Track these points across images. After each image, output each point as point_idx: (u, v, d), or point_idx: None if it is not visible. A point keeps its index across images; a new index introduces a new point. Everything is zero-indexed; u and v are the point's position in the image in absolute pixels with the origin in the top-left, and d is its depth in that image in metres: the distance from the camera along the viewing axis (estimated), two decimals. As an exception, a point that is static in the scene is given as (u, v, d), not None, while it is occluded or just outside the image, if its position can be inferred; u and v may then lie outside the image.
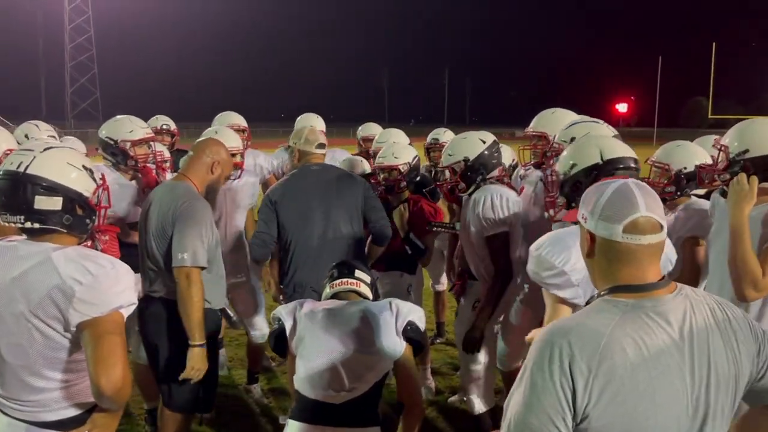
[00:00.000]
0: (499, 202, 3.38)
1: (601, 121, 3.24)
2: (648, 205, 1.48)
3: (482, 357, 3.52)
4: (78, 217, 2.05)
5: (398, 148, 4.27)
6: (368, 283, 2.75)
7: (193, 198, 3.07)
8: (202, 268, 3.00)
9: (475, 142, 3.56)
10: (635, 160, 2.46)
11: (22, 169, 1.96)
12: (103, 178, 2.18)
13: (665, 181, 3.32)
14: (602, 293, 1.51)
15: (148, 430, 4.08)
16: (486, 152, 3.53)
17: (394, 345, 2.46)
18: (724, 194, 2.69)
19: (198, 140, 3.41)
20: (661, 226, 1.49)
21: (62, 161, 2.02)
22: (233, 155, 4.22)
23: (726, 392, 1.46)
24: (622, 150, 2.46)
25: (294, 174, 3.80)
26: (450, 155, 3.58)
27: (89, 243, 2.19)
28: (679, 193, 3.32)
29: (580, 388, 1.36)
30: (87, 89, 65.97)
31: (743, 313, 1.57)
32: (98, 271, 1.92)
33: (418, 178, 4.34)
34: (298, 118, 5.60)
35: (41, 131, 4.95)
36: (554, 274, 2.23)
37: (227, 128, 4.49)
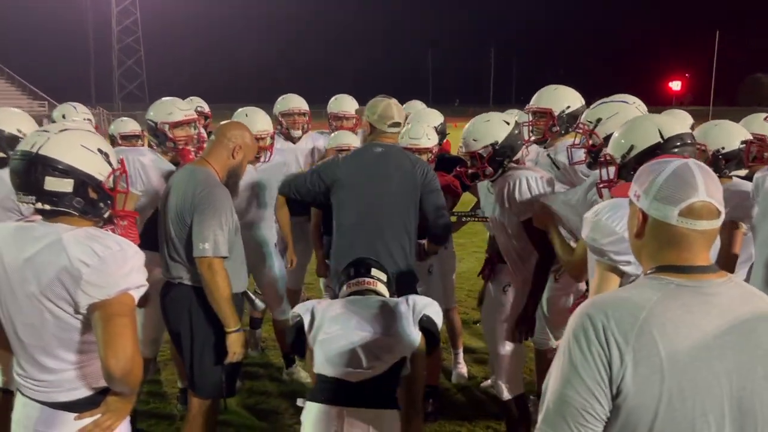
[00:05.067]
0: (535, 183, 3.25)
1: (629, 99, 3.07)
2: (708, 190, 1.42)
3: (509, 343, 3.43)
4: (91, 201, 2.03)
5: (429, 128, 4.14)
6: (384, 281, 2.78)
7: (213, 184, 3.02)
8: (224, 258, 2.96)
9: (500, 125, 3.38)
10: (692, 136, 2.35)
11: (35, 150, 1.95)
12: (122, 162, 2.15)
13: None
14: (648, 272, 1.47)
15: (180, 409, 4.13)
16: (511, 135, 3.40)
17: (411, 333, 2.52)
18: None
19: (221, 123, 3.35)
20: (719, 213, 1.43)
21: (76, 143, 1.99)
22: (262, 138, 4.19)
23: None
24: (680, 126, 2.35)
25: (357, 152, 3.64)
26: (475, 140, 3.39)
27: (110, 227, 2.18)
28: (717, 174, 3.16)
29: (615, 361, 1.33)
30: (134, 71, 67.36)
31: None
32: (105, 252, 1.90)
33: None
34: (279, 98, 5.14)
35: (78, 113, 5.03)
36: (614, 240, 2.14)
37: (258, 110, 4.40)
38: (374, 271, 2.77)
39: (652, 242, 1.47)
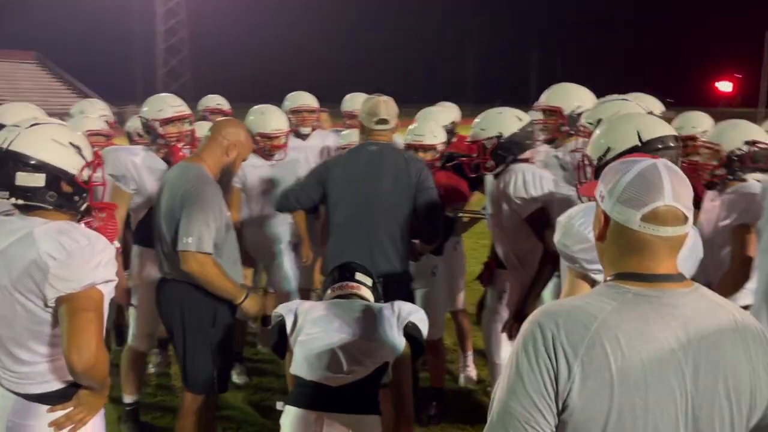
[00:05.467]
0: (531, 179, 3.19)
1: (631, 98, 2.98)
2: (675, 194, 1.32)
3: (505, 350, 3.35)
4: (65, 194, 2.05)
5: (435, 126, 4.08)
6: (369, 286, 2.75)
7: (203, 181, 3.01)
8: (209, 254, 2.95)
9: (510, 119, 3.34)
10: (676, 138, 2.25)
11: (5, 146, 1.98)
12: (96, 155, 2.16)
13: (715, 163, 3.03)
14: (607, 279, 1.39)
15: (131, 428, 3.90)
16: (520, 131, 3.32)
17: (394, 338, 2.47)
18: None
19: (217, 120, 3.37)
20: (686, 218, 1.33)
21: (46, 138, 2.02)
22: (275, 137, 4.22)
23: (738, 406, 1.29)
24: (661, 128, 2.24)
25: (351, 151, 3.62)
26: (482, 130, 3.36)
27: (88, 220, 2.20)
28: (731, 176, 3.03)
29: (563, 373, 1.26)
30: (178, 71, 68.61)
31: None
32: (72, 246, 1.91)
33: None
34: (288, 95, 5.09)
35: (95, 109, 5.12)
36: (586, 247, 2.05)
37: (273, 108, 4.41)
38: (359, 275, 2.75)
39: (613, 247, 1.39)
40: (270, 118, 4.20)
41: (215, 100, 5.58)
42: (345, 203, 3.41)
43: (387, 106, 3.51)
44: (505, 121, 3.32)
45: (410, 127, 4.10)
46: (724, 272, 3.02)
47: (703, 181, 3.19)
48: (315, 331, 2.48)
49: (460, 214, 3.81)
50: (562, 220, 2.19)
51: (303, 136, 4.90)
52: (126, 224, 3.82)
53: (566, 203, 3.18)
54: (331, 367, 2.40)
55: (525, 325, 1.34)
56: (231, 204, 4.30)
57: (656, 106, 3.84)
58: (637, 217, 1.32)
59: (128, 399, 3.89)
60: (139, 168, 3.67)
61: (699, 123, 4.08)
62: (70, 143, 2.06)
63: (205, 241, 2.91)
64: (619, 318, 1.28)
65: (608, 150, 2.23)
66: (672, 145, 2.22)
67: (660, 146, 2.19)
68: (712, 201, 3.26)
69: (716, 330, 1.30)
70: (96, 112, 4.99)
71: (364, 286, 2.72)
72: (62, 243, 1.91)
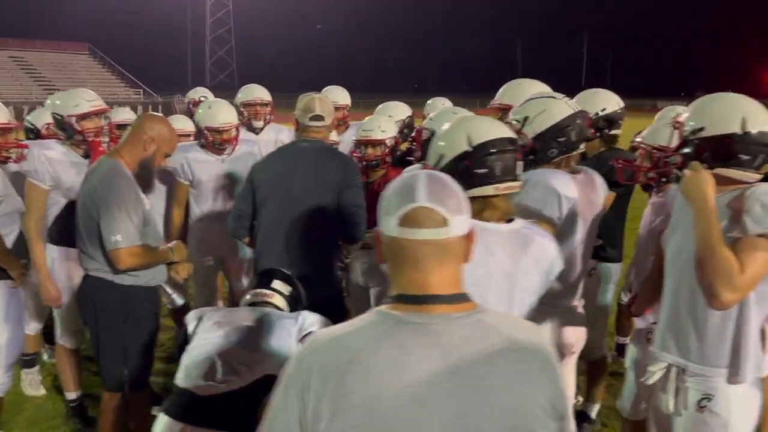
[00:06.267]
0: None
1: (561, 95, 2.76)
2: (432, 196, 1.25)
3: None
4: None
5: (384, 120, 3.95)
6: (286, 294, 2.68)
7: (116, 176, 2.94)
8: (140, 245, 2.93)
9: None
10: (512, 140, 2.11)
11: None
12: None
13: (648, 165, 2.74)
14: (384, 302, 1.31)
15: (77, 423, 3.87)
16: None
17: (288, 348, 2.34)
18: (677, 180, 2.22)
19: (140, 114, 3.31)
20: (446, 221, 1.24)
21: None
22: (224, 131, 4.11)
23: None
24: (494, 131, 2.09)
25: (280, 149, 3.52)
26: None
27: None
28: (664, 179, 2.78)
29: (310, 410, 1.18)
30: (225, 61, 69.64)
31: (550, 362, 1.25)
32: None
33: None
34: (241, 88, 5.09)
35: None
36: None
37: (222, 102, 4.28)
38: (276, 283, 2.68)
39: (390, 265, 1.28)
40: (218, 112, 4.09)
41: (200, 92, 5.53)
42: (269, 202, 3.29)
43: (322, 102, 3.41)
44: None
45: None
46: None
47: (639, 182, 2.99)
48: (204, 337, 2.40)
49: None
50: None
51: (255, 130, 4.80)
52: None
53: None
54: (206, 375, 2.29)
55: (298, 349, 1.28)
56: (176, 201, 4.31)
57: (610, 101, 3.55)
58: (394, 223, 1.25)
59: (71, 395, 3.90)
60: (55, 162, 3.57)
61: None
62: None
63: (133, 236, 2.90)
64: (374, 349, 1.18)
65: (441, 157, 2.11)
66: (508, 147, 2.08)
67: (493, 150, 2.05)
68: (650, 205, 3.15)
69: (486, 358, 1.18)
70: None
71: (278, 295, 2.65)
72: None
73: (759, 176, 2.12)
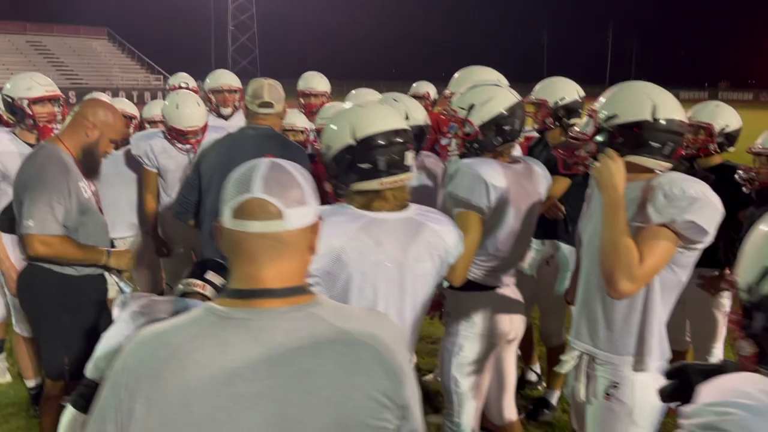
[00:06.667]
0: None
1: (505, 84, 2.78)
2: (268, 187, 1.19)
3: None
4: None
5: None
6: (218, 285, 2.58)
7: (48, 162, 2.86)
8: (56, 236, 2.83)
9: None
10: (401, 132, 2.07)
11: None
12: None
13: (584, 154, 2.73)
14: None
15: (36, 410, 3.84)
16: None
17: None
18: (590, 168, 2.20)
19: (84, 99, 3.21)
20: (281, 213, 1.19)
21: None
22: (188, 134, 3.98)
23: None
24: (381, 123, 2.04)
25: (226, 135, 3.46)
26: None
27: None
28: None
29: (125, 408, 1.13)
30: (248, 47, 69.78)
31: (384, 353, 1.20)
32: None
33: None
34: (210, 74, 5.00)
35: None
36: None
37: (191, 101, 4.12)
38: (209, 274, 2.59)
39: (228, 257, 1.23)
40: (184, 114, 3.98)
41: (180, 78, 5.45)
42: (212, 189, 3.22)
43: (271, 89, 3.35)
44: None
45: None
46: None
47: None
48: (118, 327, 2.32)
49: None
50: None
51: (224, 117, 4.73)
52: None
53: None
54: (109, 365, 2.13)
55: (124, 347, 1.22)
56: (147, 188, 4.24)
57: (570, 90, 3.57)
58: (228, 214, 1.20)
59: (29, 383, 3.91)
60: (0, 153, 3.51)
61: None
62: None
63: (49, 224, 2.79)
64: (194, 345, 1.13)
65: (329, 147, 2.08)
66: (394, 140, 2.02)
67: (378, 144, 2.00)
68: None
69: (313, 351, 1.14)
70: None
71: (210, 286, 2.55)
72: None
73: (669, 165, 2.12)
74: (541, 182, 2.69)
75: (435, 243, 2.07)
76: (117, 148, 4.33)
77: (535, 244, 3.66)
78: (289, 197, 1.20)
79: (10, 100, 3.56)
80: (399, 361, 1.22)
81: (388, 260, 1.99)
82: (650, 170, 2.11)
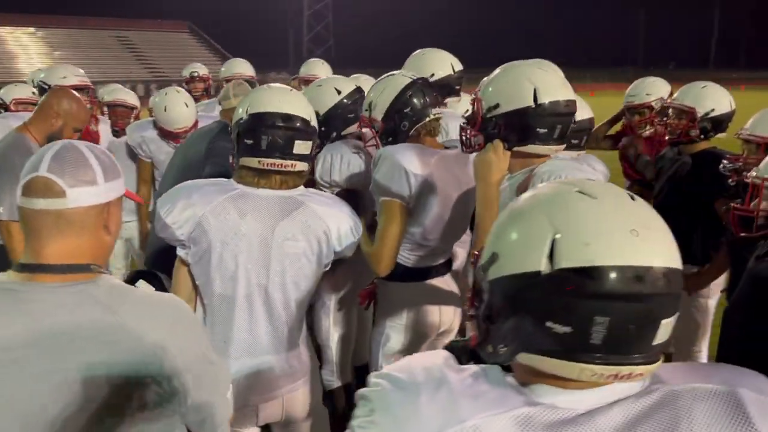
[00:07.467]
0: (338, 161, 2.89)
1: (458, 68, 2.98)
2: (53, 166, 1.28)
3: (335, 332, 3.12)
4: None
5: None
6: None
7: (14, 150, 2.95)
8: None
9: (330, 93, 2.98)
10: (294, 118, 2.08)
11: None
12: None
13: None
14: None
15: None
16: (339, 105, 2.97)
17: None
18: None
19: (51, 89, 3.36)
20: (63, 192, 1.26)
21: None
22: (177, 134, 4.01)
23: (84, 410, 1.19)
24: (276, 105, 2.07)
25: (198, 128, 3.67)
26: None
27: None
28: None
29: None
30: (323, 36, 70.63)
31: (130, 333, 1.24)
32: None
33: None
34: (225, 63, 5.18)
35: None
36: (160, 226, 2.09)
37: (180, 101, 4.12)
38: (140, 283, 2.72)
39: (23, 233, 1.31)
40: (170, 117, 4.03)
41: (191, 68, 5.62)
42: (163, 184, 3.34)
43: (236, 87, 3.45)
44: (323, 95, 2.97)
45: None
46: None
47: None
48: None
49: None
50: None
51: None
52: None
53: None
54: None
55: None
56: (141, 178, 4.36)
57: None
58: (19, 192, 1.29)
59: None
60: None
61: (653, 90, 3.94)
62: None
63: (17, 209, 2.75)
64: None
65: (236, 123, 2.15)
66: (280, 124, 2.06)
67: (264, 123, 2.05)
68: None
69: (74, 330, 1.21)
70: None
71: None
72: None
73: (560, 147, 2.02)
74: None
75: (313, 225, 2.08)
76: (117, 136, 4.50)
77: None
78: (77, 176, 1.27)
79: (46, 86, 3.74)
80: (147, 343, 1.24)
81: (250, 234, 2.03)
82: (543, 157, 2.03)
